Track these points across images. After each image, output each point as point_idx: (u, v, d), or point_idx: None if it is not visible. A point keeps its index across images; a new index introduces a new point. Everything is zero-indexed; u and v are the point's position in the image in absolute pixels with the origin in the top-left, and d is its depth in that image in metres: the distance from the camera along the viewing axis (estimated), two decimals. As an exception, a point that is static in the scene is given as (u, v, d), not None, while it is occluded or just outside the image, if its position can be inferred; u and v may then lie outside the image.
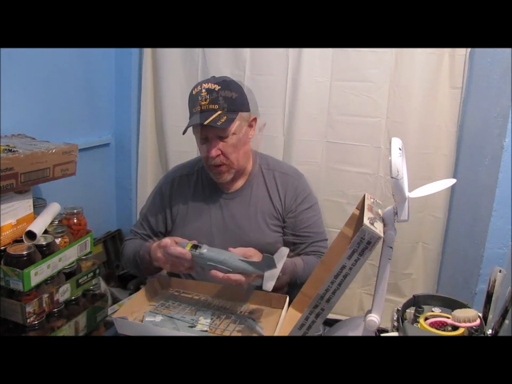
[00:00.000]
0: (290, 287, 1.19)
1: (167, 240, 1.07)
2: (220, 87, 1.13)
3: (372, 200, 0.93)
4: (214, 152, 1.14)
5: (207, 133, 1.14)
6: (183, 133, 1.14)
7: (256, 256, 1.05)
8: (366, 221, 0.79)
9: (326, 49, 1.69)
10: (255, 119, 1.24)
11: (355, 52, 1.67)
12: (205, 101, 1.11)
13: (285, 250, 1.04)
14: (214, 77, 1.19)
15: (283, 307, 1.04)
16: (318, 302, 0.83)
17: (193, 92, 1.15)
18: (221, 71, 1.80)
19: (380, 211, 0.90)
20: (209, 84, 1.13)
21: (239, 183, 1.25)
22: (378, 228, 0.79)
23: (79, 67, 1.72)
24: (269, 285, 0.98)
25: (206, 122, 1.09)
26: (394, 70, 1.66)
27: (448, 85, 1.63)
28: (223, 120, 1.10)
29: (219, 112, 1.10)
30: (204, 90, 1.12)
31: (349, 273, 0.80)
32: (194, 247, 1.04)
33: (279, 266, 0.99)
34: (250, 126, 1.22)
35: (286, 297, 1.06)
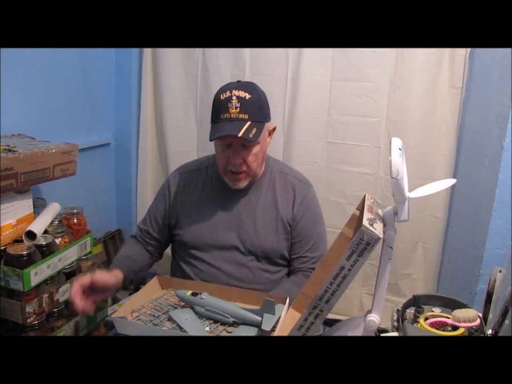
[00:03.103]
0: None
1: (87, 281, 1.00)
2: (250, 96, 1.11)
3: (371, 200, 0.93)
4: (238, 160, 1.13)
5: (233, 140, 1.12)
6: (212, 140, 1.12)
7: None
8: (365, 222, 0.79)
9: (326, 49, 1.69)
10: (274, 128, 1.23)
11: (355, 52, 1.67)
12: (236, 109, 1.09)
13: (285, 305, 1.04)
14: (240, 81, 1.17)
15: (283, 308, 1.04)
16: (316, 303, 0.83)
17: (221, 97, 1.11)
18: (221, 71, 1.80)
19: (379, 211, 0.90)
20: (240, 91, 1.11)
21: (248, 184, 1.24)
22: (377, 229, 0.79)
23: (79, 67, 1.72)
24: (268, 325, 0.97)
25: (240, 134, 1.07)
26: (394, 70, 1.66)
27: (448, 85, 1.63)
28: (253, 132, 1.09)
29: (249, 122, 1.09)
30: (234, 98, 1.09)
31: (348, 274, 0.80)
32: (194, 294, 1.06)
33: (278, 315, 0.99)
34: (269, 135, 1.22)
35: (286, 297, 1.06)
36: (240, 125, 1.08)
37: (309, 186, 1.30)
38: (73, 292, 0.97)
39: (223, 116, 1.10)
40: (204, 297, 1.04)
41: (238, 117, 1.09)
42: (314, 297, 0.83)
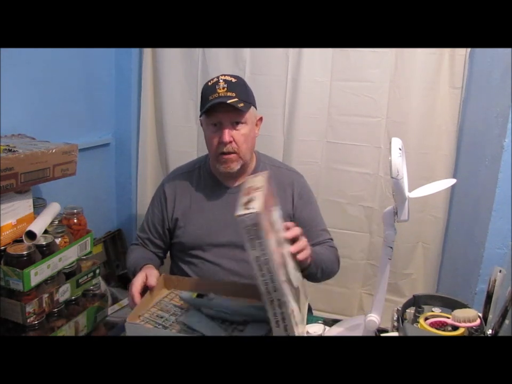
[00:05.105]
0: (316, 275, 1.18)
1: (148, 275, 1.08)
2: (236, 80, 1.19)
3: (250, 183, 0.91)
4: (227, 137, 1.16)
5: (223, 116, 1.16)
6: (201, 115, 1.18)
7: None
8: (239, 211, 0.77)
9: (326, 49, 1.69)
10: (261, 119, 1.27)
11: (355, 52, 1.67)
12: (223, 89, 1.16)
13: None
14: (225, 74, 1.22)
15: None
16: (268, 297, 0.82)
17: (209, 83, 1.19)
18: (221, 71, 1.78)
19: (257, 183, 0.88)
20: (226, 76, 1.19)
21: (241, 179, 1.27)
22: (255, 205, 0.77)
23: (79, 67, 1.72)
24: None
25: (229, 101, 1.12)
26: (394, 70, 1.66)
27: (448, 85, 1.63)
28: (241, 105, 1.15)
29: (237, 99, 1.15)
30: (221, 81, 1.17)
31: (267, 258, 0.78)
32: (200, 296, 1.05)
33: None
34: (256, 124, 1.25)
35: None
36: (229, 99, 1.14)
37: (301, 176, 1.35)
38: (134, 297, 1.04)
39: (212, 97, 1.16)
40: (211, 297, 1.03)
41: (226, 95, 1.15)
42: (262, 295, 0.82)
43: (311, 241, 1.26)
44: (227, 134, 1.16)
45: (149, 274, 1.08)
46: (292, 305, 0.85)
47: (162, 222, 1.29)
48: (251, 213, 0.75)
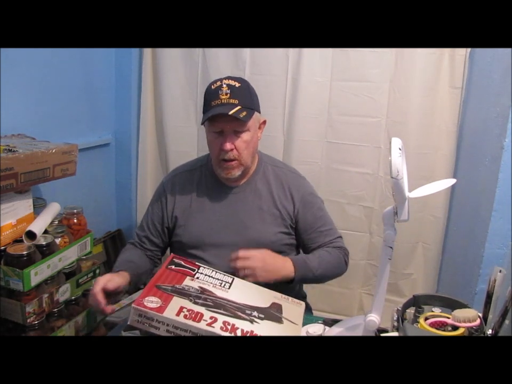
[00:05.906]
0: (308, 281, 1.22)
1: (105, 281, 1.04)
2: (240, 85, 1.16)
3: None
4: (229, 145, 1.15)
5: (225, 126, 1.15)
6: (202, 123, 1.16)
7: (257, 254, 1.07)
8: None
9: (326, 49, 1.69)
10: (264, 122, 1.26)
11: (355, 52, 1.67)
12: (226, 95, 1.13)
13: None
14: (230, 76, 1.21)
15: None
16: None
17: (212, 87, 1.17)
18: (221, 71, 1.80)
19: None
20: (230, 80, 1.16)
21: (243, 180, 1.27)
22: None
23: (79, 67, 1.72)
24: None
25: (230, 113, 1.11)
26: (394, 70, 1.66)
27: (448, 85, 1.63)
28: (243, 114, 1.13)
29: (239, 106, 1.13)
30: (224, 86, 1.15)
31: (173, 324, 0.83)
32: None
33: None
34: (259, 127, 1.24)
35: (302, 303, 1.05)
36: (231, 107, 1.12)
37: (303, 178, 1.33)
38: (97, 294, 0.99)
39: (214, 103, 1.14)
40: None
41: (229, 102, 1.13)
42: None
43: (319, 243, 1.26)
44: (228, 143, 1.15)
45: (110, 280, 1.04)
46: (243, 326, 0.88)
47: (162, 220, 1.29)
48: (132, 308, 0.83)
